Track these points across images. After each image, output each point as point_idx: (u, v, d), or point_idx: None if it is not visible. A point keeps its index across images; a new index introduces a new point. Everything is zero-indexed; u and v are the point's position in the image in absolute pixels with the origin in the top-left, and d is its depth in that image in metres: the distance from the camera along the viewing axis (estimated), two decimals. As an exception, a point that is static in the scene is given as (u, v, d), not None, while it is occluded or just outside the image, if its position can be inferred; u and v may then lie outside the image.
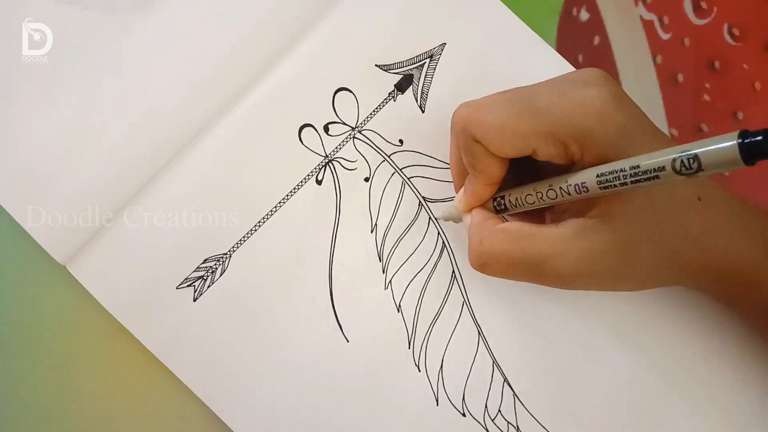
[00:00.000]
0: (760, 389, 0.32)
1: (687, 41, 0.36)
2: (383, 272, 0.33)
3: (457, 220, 0.31)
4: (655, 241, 0.26)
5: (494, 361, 0.33)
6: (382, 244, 0.33)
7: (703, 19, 0.36)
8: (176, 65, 0.33)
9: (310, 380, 0.33)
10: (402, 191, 0.34)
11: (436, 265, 0.33)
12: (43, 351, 0.33)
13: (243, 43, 0.33)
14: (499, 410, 0.33)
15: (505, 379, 0.33)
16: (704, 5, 0.36)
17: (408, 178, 0.34)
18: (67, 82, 0.33)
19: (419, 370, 0.33)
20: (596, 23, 0.36)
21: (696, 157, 0.20)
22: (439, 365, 0.33)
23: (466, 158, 0.28)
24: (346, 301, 0.33)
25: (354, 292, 0.33)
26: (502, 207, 0.29)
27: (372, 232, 0.33)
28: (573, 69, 0.34)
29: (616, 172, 0.23)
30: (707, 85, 0.35)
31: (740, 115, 0.35)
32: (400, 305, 0.33)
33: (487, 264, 0.27)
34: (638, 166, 0.22)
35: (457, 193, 0.31)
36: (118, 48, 0.33)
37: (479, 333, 0.33)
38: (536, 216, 0.30)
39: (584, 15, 0.36)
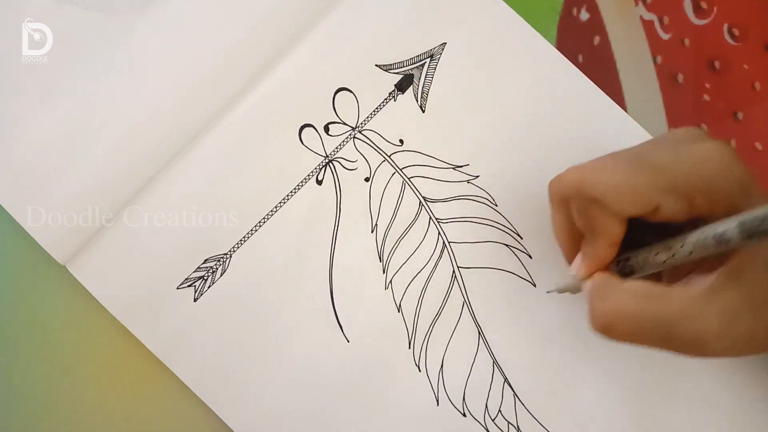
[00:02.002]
0: (760, 390, 0.32)
1: (687, 41, 0.36)
2: (383, 272, 0.33)
3: (575, 290, 0.29)
4: None
5: (494, 361, 0.33)
6: (383, 244, 0.33)
7: (703, 19, 0.36)
8: (176, 65, 0.33)
9: (310, 380, 0.33)
10: (402, 191, 0.34)
11: (436, 265, 0.33)
12: (43, 351, 0.33)
13: (243, 43, 0.33)
14: (500, 410, 0.33)
15: (506, 379, 0.33)
16: (704, 5, 0.36)
17: (408, 178, 0.34)
18: (67, 82, 0.33)
19: (419, 370, 0.33)
20: (596, 23, 0.36)
21: None
22: (440, 365, 0.33)
23: (583, 221, 0.27)
24: (347, 301, 0.33)
25: (354, 292, 0.33)
26: (628, 269, 0.27)
27: (372, 232, 0.33)
28: (574, 67, 0.34)
29: (759, 219, 0.22)
30: (707, 85, 0.35)
31: (740, 116, 0.35)
32: (400, 305, 0.33)
33: (611, 324, 0.25)
34: None
35: (569, 263, 0.29)
36: (118, 48, 0.33)
37: (479, 333, 0.33)
38: (655, 280, 0.28)
39: (584, 15, 0.36)
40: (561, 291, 0.29)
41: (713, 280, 0.24)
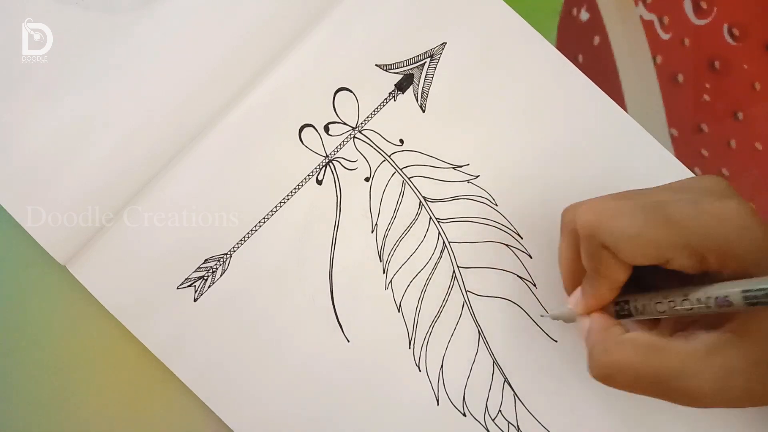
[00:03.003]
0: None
1: (687, 41, 0.36)
2: (384, 272, 0.33)
3: (569, 320, 0.29)
4: None
5: (495, 361, 0.33)
6: (383, 244, 0.33)
7: (703, 19, 0.36)
8: (176, 65, 0.33)
9: (310, 380, 0.33)
10: (402, 191, 0.34)
11: (436, 265, 0.33)
12: (43, 351, 0.33)
13: (243, 43, 0.33)
14: (500, 410, 0.33)
15: (506, 379, 0.33)
16: (704, 5, 0.36)
17: (408, 178, 0.34)
18: (67, 82, 0.33)
19: (420, 370, 0.33)
20: (596, 23, 0.36)
21: None
22: (440, 365, 0.33)
23: (590, 263, 0.27)
24: (347, 301, 0.33)
25: (354, 292, 0.33)
26: (626, 312, 0.27)
27: (372, 232, 0.33)
28: (574, 67, 0.34)
29: (764, 289, 0.22)
30: (707, 85, 0.35)
31: (740, 116, 0.35)
32: (400, 305, 0.33)
33: (611, 376, 0.26)
34: None
35: (569, 293, 0.30)
36: (118, 48, 0.33)
37: (479, 333, 0.33)
38: (653, 323, 0.29)
39: (584, 15, 0.36)
40: (555, 318, 0.30)
41: (714, 338, 0.24)
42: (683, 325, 0.27)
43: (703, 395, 0.24)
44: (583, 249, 0.27)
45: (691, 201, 0.25)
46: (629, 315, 0.27)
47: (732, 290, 0.23)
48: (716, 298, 0.24)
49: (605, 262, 0.26)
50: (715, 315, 0.25)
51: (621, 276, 0.26)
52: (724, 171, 0.35)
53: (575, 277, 0.29)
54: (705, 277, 0.25)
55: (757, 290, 0.22)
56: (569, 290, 0.30)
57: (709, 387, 0.24)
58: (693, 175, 0.34)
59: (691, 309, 0.25)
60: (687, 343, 0.25)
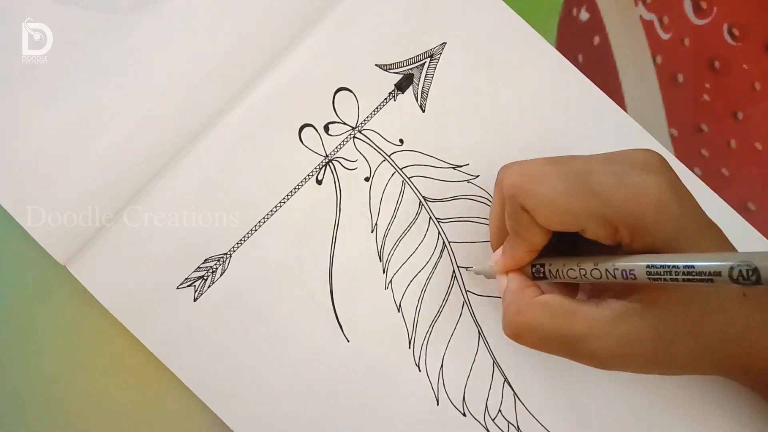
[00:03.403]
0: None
1: (687, 41, 0.36)
2: (383, 272, 0.33)
3: (490, 276, 0.31)
4: (696, 334, 0.25)
5: (494, 361, 0.33)
6: (383, 244, 0.33)
7: (703, 19, 0.36)
8: (176, 65, 0.33)
9: (310, 380, 0.33)
10: (402, 191, 0.34)
11: (436, 265, 0.33)
12: (43, 351, 0.33)
13: (243, 43, 0.33)
14: (500, 410, 0.33)
15: (506, 379, 0.33)
16: (704, 5, 0.36)
17: (408, 178, 0.34)
18: (67, 82, 0.33)
19: (419, 370, 0.33)
20: (596, 23, 0.36)
21: (756, 270, 0.20)
22: (440, 365, 0.33)
23: (511, 224, 0.28)
24: (347, 301, 0.33)
25: (354, 292, 0.33)
26: (541, 275, 0.28)
27: (372, 231, 0.33)
28: (574, 67, 0.34)
29: (669, 268, 0.23)
30: (707, 85, 0.35)
31: (740, 115, 0.35)
32: (400, 305, 0.33)
33: (521, 335, 0.27)
34: (693, 267, 0.22)
35: (494, 250, 0.31)
36: (118, 48, 0.33)
37: (479, 333, 0.33)
38: (575, 288, 0.30)
39: (584, 15, 0.36)
40: (477, 273, 0.32)
41: (621, 306, 0.25)
42: (599, 291, 0.28)
43: (606, 358, 0.26)
44: (507, 209, 0.28)
45: (615, 173, 0.26)
46: (544, 277, 0.28)
47: (637, 264, 0.24)
48: (622, 270, 0.24)
49: (524, 225, 0.27)
50: (628, 285, 0.26)
51: (539, 239, 0.27)
52: (724, 171, 0.35)
53: (501, 235, 0.30)
54: (617, 250, 0.26)
55: (660, 266, 0.23)
56: (494, 247, 0.31)
57: (613, 351, 0.25)
58: (693, 175, 0.34)
59: (600, 278, 0.26)
60: (596, 309, 0.26)
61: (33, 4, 0.33)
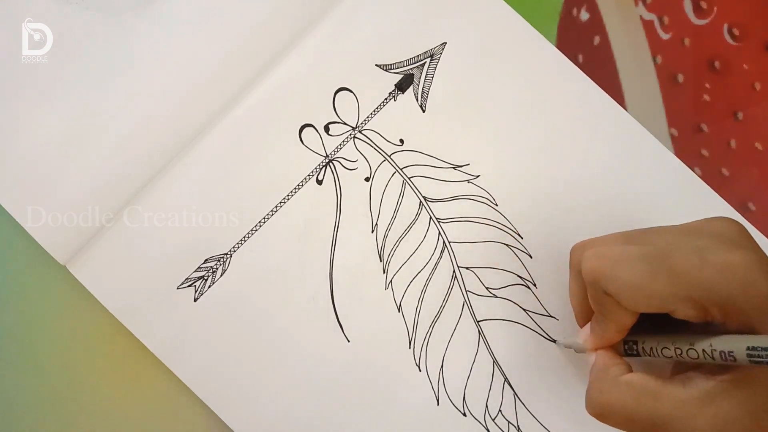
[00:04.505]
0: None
1: (687, 41, 0.36)
2: (384, 272, 0.33)
3: (580, 351, 0.30)
4: None
5: (495, 361, 0.33)
6: (383, 244, 0.33)
7: (703, 19, 0.36)
8: (176, 65, 0.33)
9: (310, 380, 0.33)
10: (402, 191, 0.34)
11: (436, 265, 0.33)
12: (43, 351, 0.33)
13: (243, 43, 0.33)
14: (500, 410, 0.33)
15: (506, 379, 0.33)
16: (704, 5, 0.36)
17: (409, 178, 0.34)
18: (67, 82, 0.33)
19: (420, 370, 0.33)
20: (596, 23, 0.36)
21: None
22: (440, 365, 0.33)
23: (596, 307, 0.27)
24: (347, 301, 0.33)
25: (354, 292, 0.33)
26: (634, 352, 0.28)
27: (372, 232, 0.33)
28: (574, 67, 0.34)
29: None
30: (707, 85, 0.35)
31: (740, 116, 0.35)
32: (400, 305, 0.33)
33: (605, 416, 0.26)
34: None
35: (580, 325, 0.30)
36: (118, 48, 0.33)
37: (479, 333, 0.33)
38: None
39: (584, 15, 0.36)
40: (567, 347, 0.31)
41: (711, 387, 0.24)
42: (686, 367, 0.27)
43: None
44: (589, 293, 0.27)
45: (697, 250, 0.25)
46: (637, 355, 0.28)
47: (737, 346, 0.23)
48: (720, 351, 0.24)
49: (610, 308, 0.26)
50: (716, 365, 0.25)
51: (627, 321, 0.27)
52: (724, 171, 0.35)
53: (585, 312, 0.30)
54: (712, 327, 0.25)
55: (761, 349, 0.22)
56: (580, 323, 0.30)
57: None
58: (693, 175, 0.34)
59: (696, 358, 0.25)
60: (683, 389, 0.25)
61: (33, 4, 0.33)
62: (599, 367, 0.28)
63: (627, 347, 0.28)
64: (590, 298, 0.27)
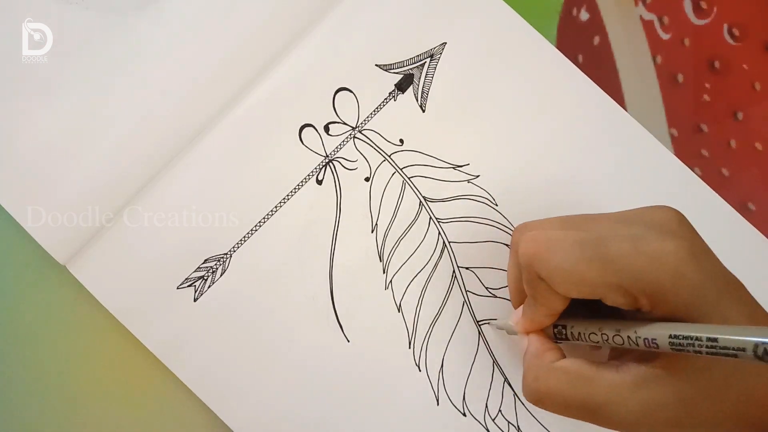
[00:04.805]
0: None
1: (687, 41, 0.36)
2: (384, 272, 0.33)
3: (511, 333, 0.31)
4: (720, 399, 0.25)
5: (494, 361, 0.33)
6: (383, 244, 0.33)
7: (703, 19, 0.36)
8: (176, 65, 0.33)
9: (310, 380, 0.33)
10: (402, 191, 0.34)
11: (436, 265, 0.33)
12: (43, 351, 0.33)
13: (243, 43, 0.33)
14: (500, 410, 0.33)
15: (506, 379, 0.33)
16: (704, 5, 0.36)
17: (408, 178, 0.34)
18: (67, 82, 0.33)
19: (420, 370, 0.33)
20: (596, 23, 0.36)
21: None
22: (440, 365, 0.33)
23: (528, 289, 0.27)
24: (347, 301, 0.33)
25: (354, 292, 0.33)
26: (563, 337, 0.28)
27: (372, 232, 0.33)
28: (574, 67, 0.34)
29: (692, 339, 0.22)
30: (707, 85, 0.35)
31: (740, 116, 0.35)
32: (400, 305, 0.33)
33: (541, 401, 0.27)
34: (716, 340, 0.21)
35: (515, 307, 0.31)
36: (118, 48, 0.33)
37: (479, 333, 0.33)
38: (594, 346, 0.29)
39: (584, 15, 0.36)
40: (499, 328, 0.32)
41: (643, 372, 0.25)
42: (620, 351, 0.27)
43: (628, 424, 0.25)
44: (523, 276, 0.27)
45: (632, 238, 0.25)
46: (566, 339, 0.28)
47: (660, 333, 0.24)
48: (645, 339, 0.24)
49: (542, 292, 0.27)
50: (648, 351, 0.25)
51: (558, 305, 0.27)
52: (724, 171, 0.35)
53: (519, 295, 0.30)
54: (642, 314, 0.25)
55: (682, 338, 0.23)
56: (515, 305, 0.31)
57: (635, 417, 0.24)
58: (693, 175, 0.34)
59: (622, 344, 0.25)
60: (616, 374, 0.25)
61: (33, 4, 0.33)
62: (533, 353, 0.28)
63: (556, 331, 0.28)
64: (524, 280, 0.27)
